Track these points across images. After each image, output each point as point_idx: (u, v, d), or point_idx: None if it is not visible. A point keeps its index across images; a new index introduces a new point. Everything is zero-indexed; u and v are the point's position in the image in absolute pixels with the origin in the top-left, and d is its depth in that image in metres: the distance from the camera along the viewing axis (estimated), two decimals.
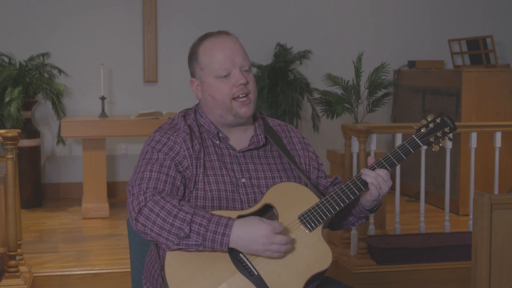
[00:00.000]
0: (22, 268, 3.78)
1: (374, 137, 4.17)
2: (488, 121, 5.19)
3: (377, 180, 2.02)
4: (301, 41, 6.31)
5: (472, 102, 5.36)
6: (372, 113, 5.92)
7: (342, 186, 2.05)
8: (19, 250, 3.77)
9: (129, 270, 2.72)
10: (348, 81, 5.35)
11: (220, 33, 2.14)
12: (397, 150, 2.07)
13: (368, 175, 2.03)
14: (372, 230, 4.25)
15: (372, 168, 2.05)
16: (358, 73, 5.29)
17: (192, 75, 2.17)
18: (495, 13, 6.70)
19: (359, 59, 5.32)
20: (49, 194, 6.02)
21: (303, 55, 6.22)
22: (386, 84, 5.48)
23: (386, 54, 6.31)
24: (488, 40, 5.87)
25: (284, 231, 1.96)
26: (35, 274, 3.87)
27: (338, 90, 5.45)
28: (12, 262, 3.68)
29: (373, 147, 4.20)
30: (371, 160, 2.09)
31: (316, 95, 5.87)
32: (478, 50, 5.84)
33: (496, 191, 4.41)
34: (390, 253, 4.03)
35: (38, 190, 5.70)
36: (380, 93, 5.68)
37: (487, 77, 5.39)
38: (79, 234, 4.81)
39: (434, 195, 5.68)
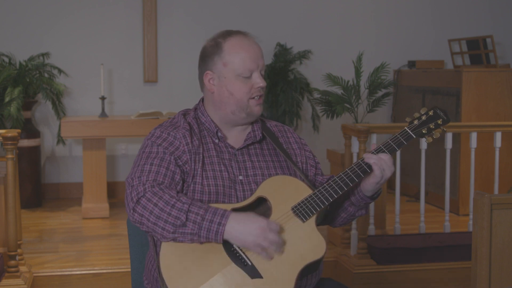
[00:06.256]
0: (22, 268, 3.78)
1: (374, 137, 4.17)
2: (488, 121, 5.19)
3: (379, 162, 2.07)
4: (301, 41, 6.31)
5: (472, 102, 5.36)
6: (372, 113, 5.93)
7: (341, 174, 2.07)
8: (19, 250, 3.76)
9: (129, 270, 2.72)
10: (348, 81, 5.35)
11: (243, 33, 2.17)
12: (389, 142, 2.11)
13: (371, 157, 2.08)
14: (372, 230, 4.25)
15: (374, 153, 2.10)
16: (358, 73, 5.29)
17: (209, 68, 2.16)
18: (495, 13, 6.70)
19: (359, 59, 5.32)
20: (49, 194, 6.01)
21: (303, 55, 6.22)
22: (386, 84, 5.48)
23: (386, 54, 6.31)
24: (488, 40, 5.86)
25: (280, 231, 1.97)
26: (35, 274, 3.87)
27: (338, 90, 5.45)
28: (12, 262, 3.67)
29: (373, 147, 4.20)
30: (373, 147, 2.15)
31: (316, 95, 5.87)
32: (478, 50, 5.83)
33: (496, 191, 4.40)
34: (390, 253, 4.03)
35: (38, 190, 5.70)
36: (380, 93, 5.68)
37: (487, 77, 5.38)
38: (79, 234, 4.81)
39: (434, 195, 5.68)
